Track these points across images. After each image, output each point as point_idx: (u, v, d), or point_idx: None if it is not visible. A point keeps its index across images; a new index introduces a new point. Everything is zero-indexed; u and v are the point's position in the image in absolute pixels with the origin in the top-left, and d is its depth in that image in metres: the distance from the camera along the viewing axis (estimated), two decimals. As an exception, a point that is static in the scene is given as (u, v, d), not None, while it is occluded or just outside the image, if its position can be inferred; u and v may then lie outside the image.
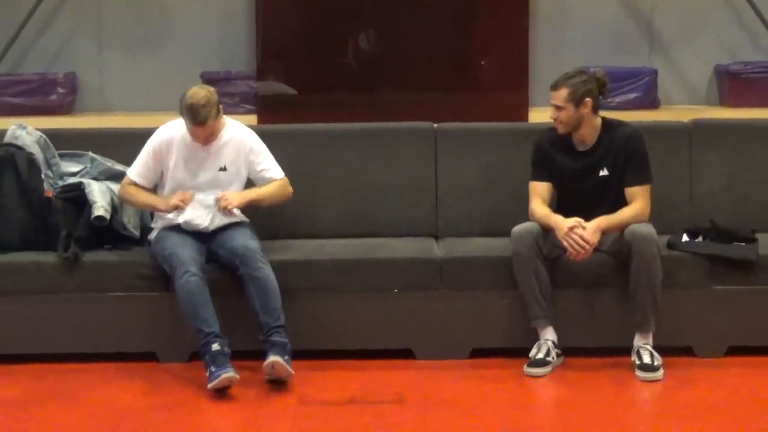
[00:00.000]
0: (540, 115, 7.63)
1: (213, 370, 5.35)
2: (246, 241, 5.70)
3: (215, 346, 5.39)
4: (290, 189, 5.94)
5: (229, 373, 5.32)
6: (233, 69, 8.84)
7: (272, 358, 5.41)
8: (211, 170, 5.81)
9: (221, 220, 5.76)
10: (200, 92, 5.64)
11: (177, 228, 5.76)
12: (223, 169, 5.82)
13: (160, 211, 5.80)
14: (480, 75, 8.95)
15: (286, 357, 5.45)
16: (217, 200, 5.72)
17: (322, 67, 8.92)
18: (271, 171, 5.89)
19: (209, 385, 5.32)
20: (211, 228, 5.73)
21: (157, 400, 5.37)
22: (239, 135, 5.88)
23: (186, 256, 5.57)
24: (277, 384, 5.47)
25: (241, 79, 8.79)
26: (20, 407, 5.31)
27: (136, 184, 5.84)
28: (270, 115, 8.24)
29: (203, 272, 5.57)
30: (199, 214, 5.73)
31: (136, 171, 5.85)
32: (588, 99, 5.77)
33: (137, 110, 8.72)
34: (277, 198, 5.92)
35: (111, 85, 8.99)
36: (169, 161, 5.81)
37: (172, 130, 5.85)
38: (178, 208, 5.71)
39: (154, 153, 5.83)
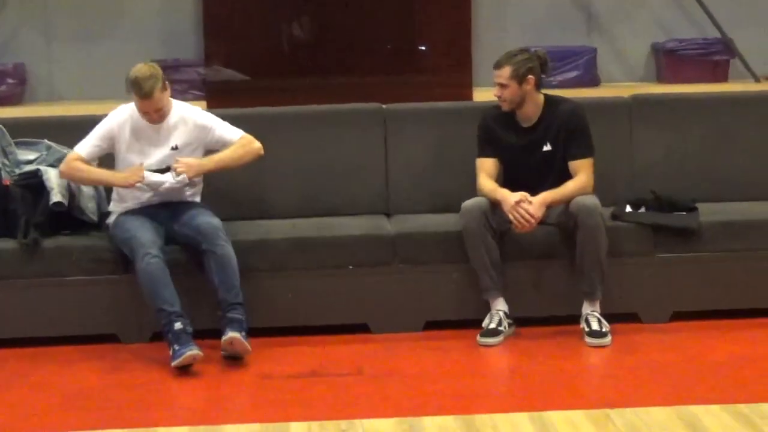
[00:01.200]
0: (483, 95, 7.77)
1: (176, 348, 5.46)
2: (209, 218, 5.80)
3: (178, 325, 5.50)
4: (257, 144, 5.97)
5: (192, 351, 5.44)
6: (181, 57, 8.89)
7: (230, 334, 5.53)
8: (162, 149, 5.88)
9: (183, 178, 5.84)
10: (144, 67, 5.75)
11: (135, 212, 5.86)
12: (175, 148, 5.89)
13: (118, 185, 5.87)
14: (424, 57, 9.06)
15: (243, 333, 5.57)
16: (174, 167, 5.80)
17: (269, 52, 8.99)
18: (228, 134, 5.97)
19: (173, 363, 5.43)
20: (176, 181, 5.82)
21: (120, 379, 5.45)
22: (187, 113, 5.96)
23: (146, 238, 5.67)
24: (238, 360, 5.58)
25: (189, 66, 8.81)
26: (-15, 391, 5.38)
27: (82, 160, 5.86)
28: (219, 101, 8.30)
29: (163, 254, 5.66)
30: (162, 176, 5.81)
31: (84, 149, 5.88)
32: (530, 76, 5.92)
33: (86, 99, 8.73)
34: (242, 157, 5.96)
35: (59, 74, 9.01)
36: (120, 143, 5.89)
37: (124, 113, 5.93)
38: (133, 185, 5.78)
39: (106, 134, 5.89)
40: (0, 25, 8.95)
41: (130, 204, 5.92)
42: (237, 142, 5.96)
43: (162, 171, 5.84)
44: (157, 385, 5.38)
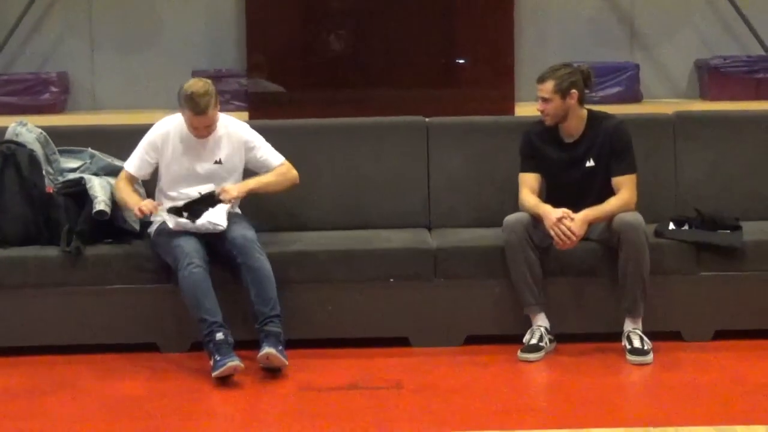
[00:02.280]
0: (525, 110, 7.77)
1: (218, 358, 5.46)
2: (244, 231, 5.80)
3: (219, 336, 5.50)
4: (294, 173, 6.02)
5: (234, 362, 5.44)
6: (223, 67, 8.92)
7: (267, 349, 5.52)
8: (207, 163, 5.92)
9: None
10: (198, 83, 5.78)
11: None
12: (219, 162, 5.93)
13: (129, 208, 5.87)
14: (466, 70, 9.06)
15: (280, 347, 5.56)
16: (218, 194, 5.82)
17: (312, 64, 9.01)
18: (270, 158, 6.00)
19: (214, 373, 5.44)
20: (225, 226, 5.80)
21: (160, 389, 5.47)
22: (233, 128, 6.00)
23: (189, 247, 5.68)
24: (277, 372, 5.58)
25: (231, 77, 8.83)
26: (26, 397, 5.40)
27: (131, 178, 5.95)
28: (261, 112, 8.32)
29: (205, 263, 5.68)
30: (217, 215, 5.76)
31: (133, 164, 5.97)
32: (574, 90, 5.91)
33: (128, 108, 8.80)
34: (280, 183, 6.01)
35: (102, 83, 9.06)
36: (165, 155, 5.93)
37: (169, 124, 5.97)
38: (143, 215, 5.78)
39: (151, 146, 5.94)
40: (44, 34, 9.00)
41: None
42: (280, 168, 6.00)
43: (201, 200, 5.82)
44: (197, 395, 5.39)
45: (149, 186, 6.15)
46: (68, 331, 5.96)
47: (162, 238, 5.84)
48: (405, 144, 6.55)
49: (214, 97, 5.76)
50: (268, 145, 6.03)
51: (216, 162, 5.92)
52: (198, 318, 5.58)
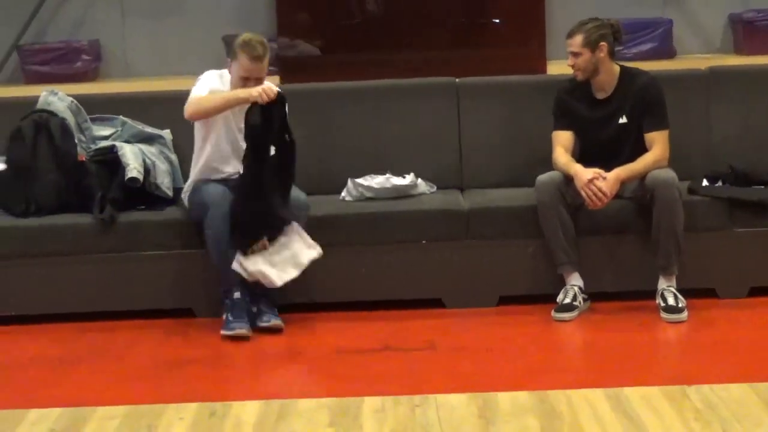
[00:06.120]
0: (557, 68, 7.71)
1: (230, 318, 5.56)
2: (298, 193, 5.79)
3: (237, 295, 5.57)
4: None
5: (242, 330, 5.52)
6: (254, 31, 8.88)
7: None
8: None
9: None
10: (255, 35, 5.73)
11: (215, 180, 5.81)
12: None
13: (250, 97, 5.52)
14: (497, 30, 8.99)
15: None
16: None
17: (342, 26, 8.97)
18: None
19: (222, 332, 5.54)
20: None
21: (195, 354, 5.49)
22: None
23: (218, 197, 5.62)
24: (312, 335, 5.62)
25: (261, 41, 8.84)
26: (59, 364, 5.44)
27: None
28: (292, 76, 8.30)
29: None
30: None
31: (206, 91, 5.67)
32: (603, 43, 5.87)
33: (160, 75, 8.81)
34: None
35: (134, 50, 9.06)
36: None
37: (219, 82, 5.76)
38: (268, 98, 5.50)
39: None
40: (75, 2, 9.01)
41: (211, 175, 5.86)
42: None
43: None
44: (232, 359, 5.42)
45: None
46: (102, 298, 5.99)
47: (193, 194, 5.83)
48: (436, 105, 6.53)
49: (269, 49, 5.71)
50: None
51: None
52: (221, 270, 5.63)
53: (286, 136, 5.63)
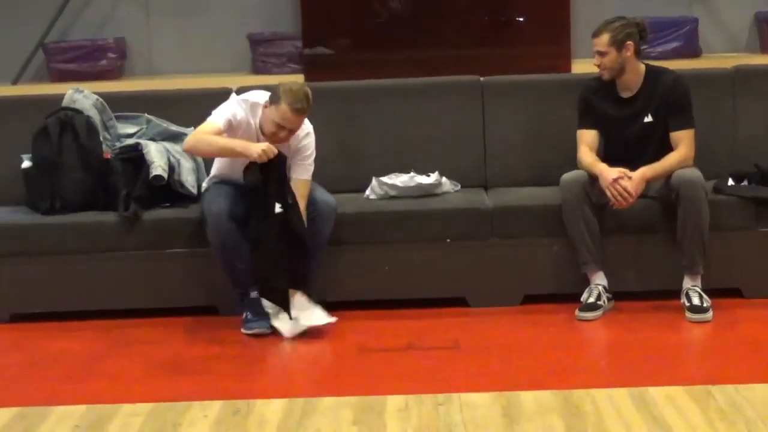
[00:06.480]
0: (582, 67, 7.71)
1: (249, 317, 5.63)
2: (325, 195, 5.81)
3: (254, 294, 5.64)
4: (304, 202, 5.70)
5: (263, 328, 5.60)
6: (278, 30, 8.92)
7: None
8: None
9: None
10: (303, 86, 5.57)
11: (231, 181, 5.79)
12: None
13: (247, 155, 5.47)
14: (522, 28, 9.00)
15: None
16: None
17: (366, 24, 8.99)
18: (306, 170, 5.74)
19: (242, 331, 5.62)
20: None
21: (219, 351, 5.50)
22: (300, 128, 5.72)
23: (221, 204, 5.60)
24: (336, 333, 5.62)
25: (286, 40, 8.85)
26: (85, 360, 5.46)
27: (217, 131, 5.59)
28: (316, 74, 8.33)
29: (234, 220, 5.58)
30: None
31: (220, 122, 5.59)
32: (629, 42, 5.85)
33: (185, 73, 8.84)
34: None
35: (159, 49, 9.11)
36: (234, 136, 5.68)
37: (242, 109, 5.67)
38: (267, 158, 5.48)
39: (228, 123, 5.62)
40: (101, 1, 9.05)
41: (228, 175, 5.83)
42: (302, 183, 5.70)
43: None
44: (256, 358, 5.43)
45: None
46: (127, 295, 6.02)
47: (207, 194, 5.83)
48: (460, 104, 6.52)
49: (311, 106, 5.57)
50: (312, 158, 5.79)
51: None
52: (230, 268, 5.69)
53: (288, 198, 5.56)
